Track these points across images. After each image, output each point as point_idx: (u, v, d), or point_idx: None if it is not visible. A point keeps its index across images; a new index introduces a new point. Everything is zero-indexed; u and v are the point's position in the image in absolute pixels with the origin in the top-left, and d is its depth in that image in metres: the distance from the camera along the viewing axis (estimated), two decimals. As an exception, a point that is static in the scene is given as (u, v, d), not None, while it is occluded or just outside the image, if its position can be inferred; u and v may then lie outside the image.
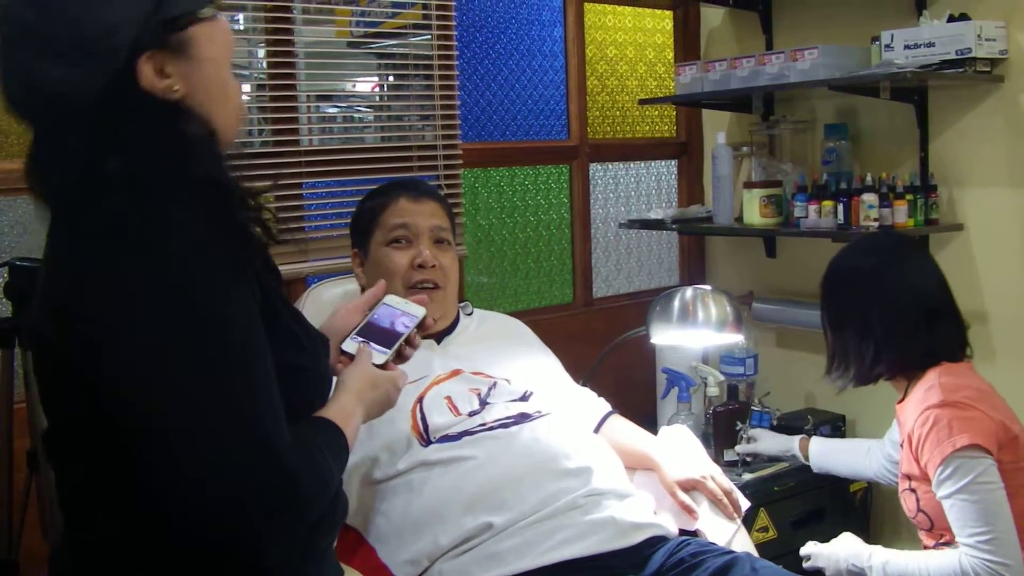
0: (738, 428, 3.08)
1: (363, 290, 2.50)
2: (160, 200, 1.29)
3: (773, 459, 3.07)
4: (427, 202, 2.45)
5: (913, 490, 2.28)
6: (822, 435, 3.13)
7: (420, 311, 1.76)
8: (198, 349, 1.26)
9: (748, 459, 3.07)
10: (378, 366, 1.65)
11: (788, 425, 3.26)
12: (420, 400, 2.22)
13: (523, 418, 2.24)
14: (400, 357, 1.71)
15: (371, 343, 1.68)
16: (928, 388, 2.25)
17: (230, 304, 1.30)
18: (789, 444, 3.01)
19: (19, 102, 1.39)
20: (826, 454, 2.91)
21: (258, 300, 1.35)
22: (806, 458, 2.95)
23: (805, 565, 2.50)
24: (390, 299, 1.78)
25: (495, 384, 2.33)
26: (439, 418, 2.19)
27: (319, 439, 1.43)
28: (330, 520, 1.56)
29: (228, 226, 1.34)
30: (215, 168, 1.38)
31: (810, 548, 2.49)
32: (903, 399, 2.37)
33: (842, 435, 3.29)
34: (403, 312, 1.75)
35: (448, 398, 2.25)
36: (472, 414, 2.22)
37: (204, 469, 1.23)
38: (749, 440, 3.06)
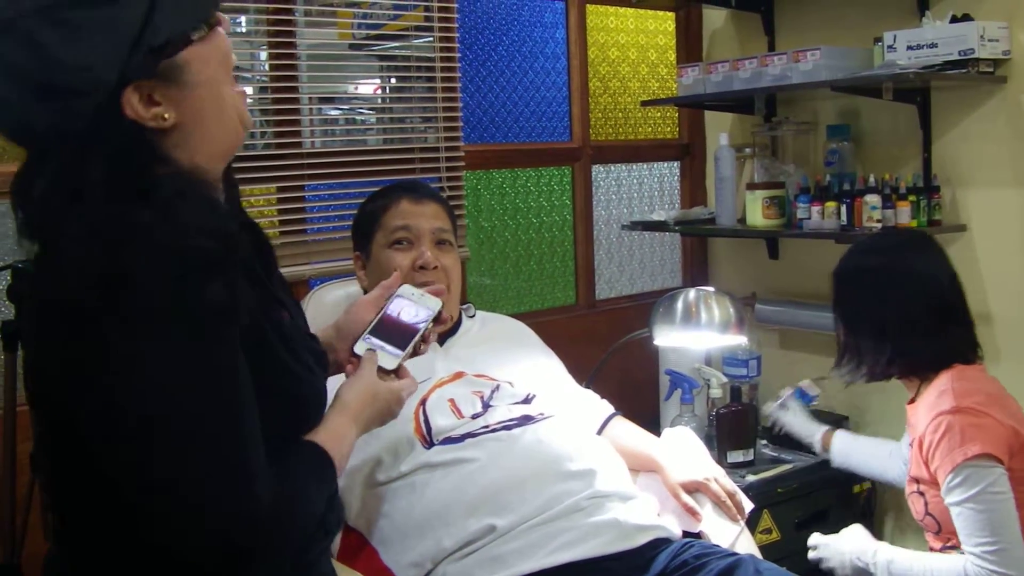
0: (780, 395, 3.11)
1: (365, 292, 2.50)
2: (128, 243, 1.26)
3: (784, 442, 3.12)
4: (428, 203, 2.45)
5: (921, 493, 2.26)
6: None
7: (436, 303, 1.72)
8: (182, 391, 1.25)
9: (772, 426, 3.12)
10: (390, 370, 1.63)
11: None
12: (423, 402, 2.22)
13: (526, 420, 2.23)
14: (414, 353, 1.69)
15: (385, 344, 1.65)
16: (940, 392, 2.23)
17: (219, 352, 1.29)
18: (813, 431, 3.00)
19: (13, 134, 1.37)
20: (849, 452, 2.88)
21: (243, 324, 1.33)
22: (825, 450, 2.93)
23: (811, 556, 2.49)
24: (405, 290, 1.73)
25: (498, 386, 2.33)
26: (442, 420, 2.19)
27: (304, 469, 1.41)
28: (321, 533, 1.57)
29: (208, 268, 1.29)
30: (193, 209, 1.33)
31: (816, 539, 2.48)
32: (914, 399, 2.36)
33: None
34: (418, 305, 1.71)
35: (451, 400, 2.24)
36: (475, 416, 2.22)
37: (183, 508, 1.24)
38: (783, 406, 3.07)
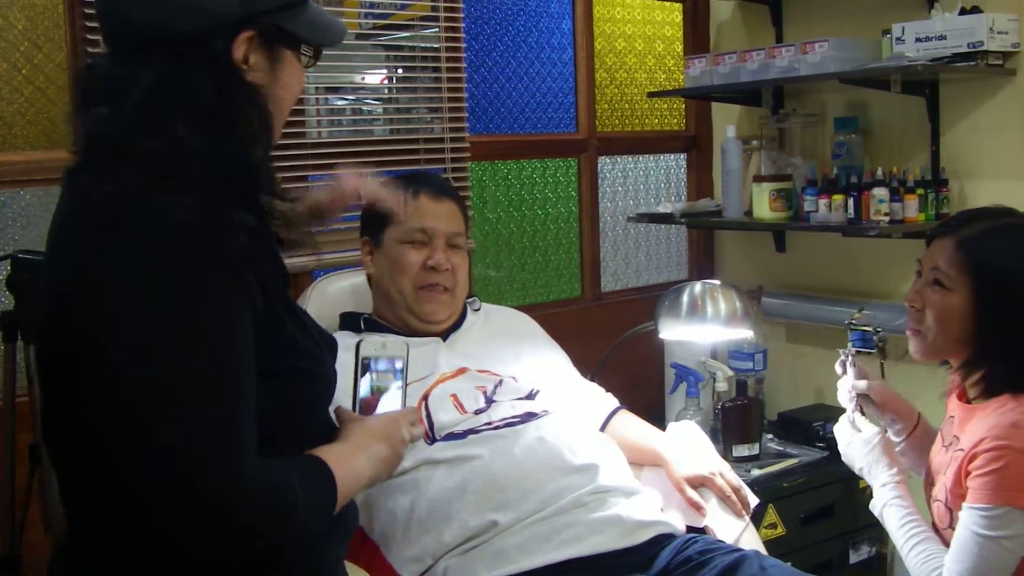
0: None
1: (369, 279, 2.48)
2: (170, 195, 1.29)
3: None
4: (446, 202, 2.44)
5: (949, 509, 2.16)
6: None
7: (402, 347, 1.70)
8: (177, 362, 1.25)
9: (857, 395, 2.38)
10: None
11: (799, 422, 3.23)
12: (426, 398, 2.21)
13: (529, 417, 2.22)
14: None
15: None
16: (1014, 422, 2.01)
17: (218, 317, 1.29)
18: (880, 474, 2.25)
19: (140, 29, 1.40)
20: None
21: (258, 306, 1.34)
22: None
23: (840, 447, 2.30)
24: (366, 348, 1.68)
25: (501, 382, 2.32)
26: (445, 416, 2.18)
27: (291, 466, 1.38)
28: (337, 534, 1.55)
29: (238, 231, 1.32)
30: (254, 164, 1.41)
31: (841, 432, 2.30)
32: (970, 402, 2.15)
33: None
34: (386, 356, 1.69)
35: (454, 396, 2.23)
36: (478, 412, 2.21)
37: (168, 481, 1.23)
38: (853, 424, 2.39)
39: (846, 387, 2.34)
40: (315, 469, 1.42)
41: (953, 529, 2.05)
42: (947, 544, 2.07)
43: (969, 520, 1.99)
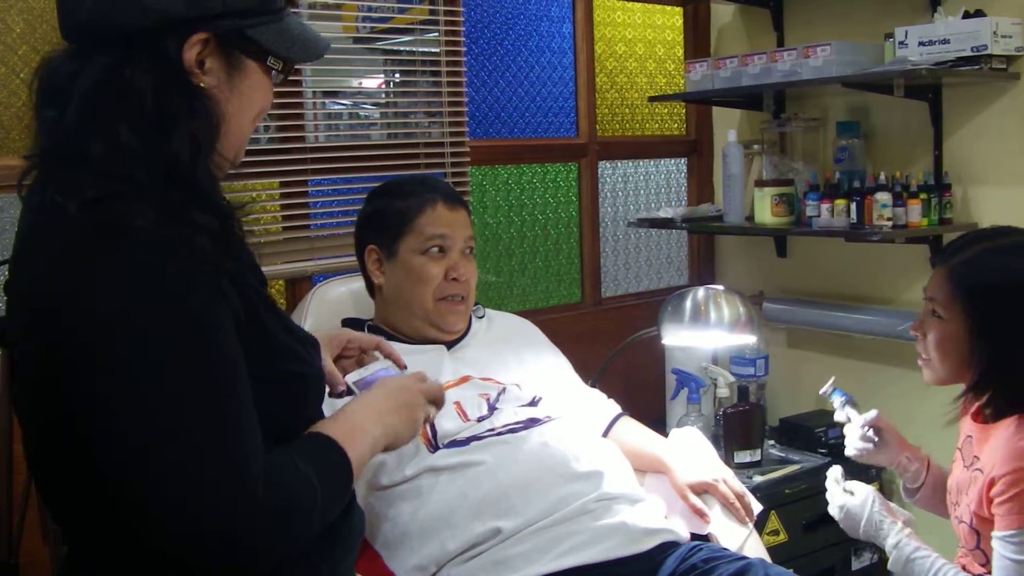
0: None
1: (372, 289, 2.46)
2: (127, 201, 1.27)
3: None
4: (460, 209, 2.43)
5: (975, 530, 2.13)
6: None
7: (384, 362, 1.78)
8: (178, 371, 1.23)
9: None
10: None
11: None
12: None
13: (532, 423, 2.21)
14: None
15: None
16: None
17: (212, 325, 1.27)
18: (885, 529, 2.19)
19: (86, 24, 1.37)
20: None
21: (239, 313, 1.32)
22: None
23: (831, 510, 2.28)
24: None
25: (504, 389, 2.30)
26: (448, 423, 2.16)
27: (305, 461, 1.35)
28: (347, 540, 1.53)
29: (199, 234, 1.29)
30: (191, 170, 1.35)
31: (834, 497, 2.25)
32: (985, 423, 2.13)
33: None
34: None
35: (457, 403, 2.21)
36: (481, 419, 2.19)
37: (179, 496, 1.20)
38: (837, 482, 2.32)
39: (857, 425, 2.33)
40: (328, 453, 1.40)
41: (981, 550, 2.05)
42: (979, 568, 2.07)
43: (1003, 549, 1.98)
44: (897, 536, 2.13)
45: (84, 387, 1.23)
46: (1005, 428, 2.05)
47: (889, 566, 2.15)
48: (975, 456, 2.12)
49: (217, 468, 1.21)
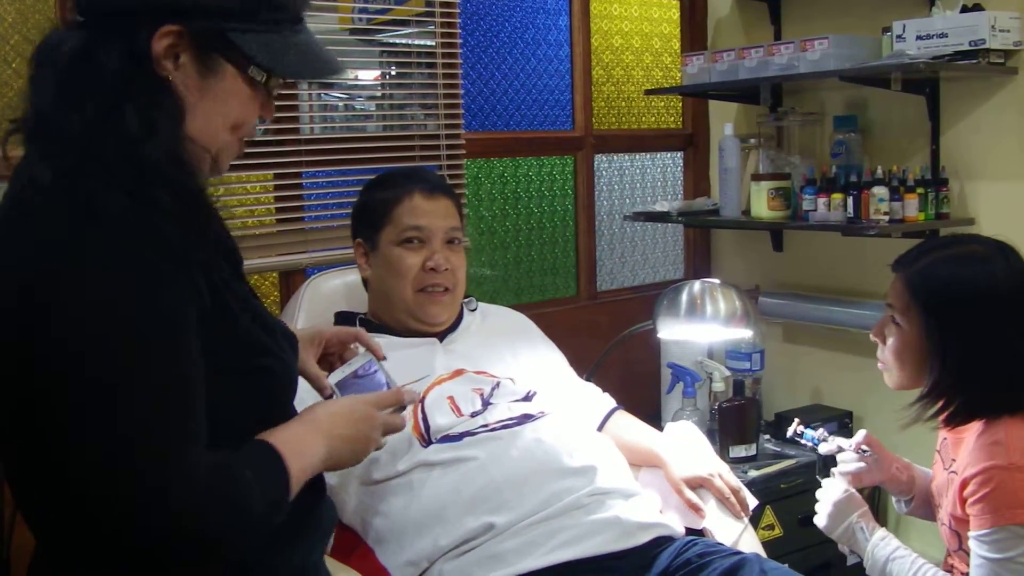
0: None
1: (365, 282, 2.46)
2: (93, 179, 1.27)
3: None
4: (441, 199, 2.41)
5: (956, 532, 2.13)
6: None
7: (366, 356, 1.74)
8: (122, 349, 1.22)
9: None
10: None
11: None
12: (422, 400, 2.18)
13: (526, 419, 2.20)
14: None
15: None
16: (995, 441, 2.00)
17: (169, 319, 1.27)
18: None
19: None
20: None
21: (206, 303, 1.31)
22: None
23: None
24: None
25: (498, 384, 2.29)
26: (441, 419, 2.15)
27: (250, 467, 1.33)
28: (316, 535, 1.52)
29: (165, 218, 1.29)
30: (176, 160, 1.35)
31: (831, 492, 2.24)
32: (953, 429, 2.12)
33: (849, 432, 3.23)
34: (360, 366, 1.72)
35: (451, 398, 2.20)
36: (474, 414, 2.18)
37: (111, 464, 1.20)
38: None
39: (849, 449, 2.32)
40: (265, 457, 1.38)
41: (964, 551, 2.05)
42: (967, 569, 2.06)
43: (978, 548, 1.98)
44: (876, 538, 2.14)
45: (35, 375, 1.23)
46: (975, 430, 2.05)
47: (867, 568, 2.15)
48: (952, 459, 2.13)
49: (152, 457, 1.21)
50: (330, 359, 1.81)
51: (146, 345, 1.24)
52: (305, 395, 1.62)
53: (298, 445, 1.42)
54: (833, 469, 2.31)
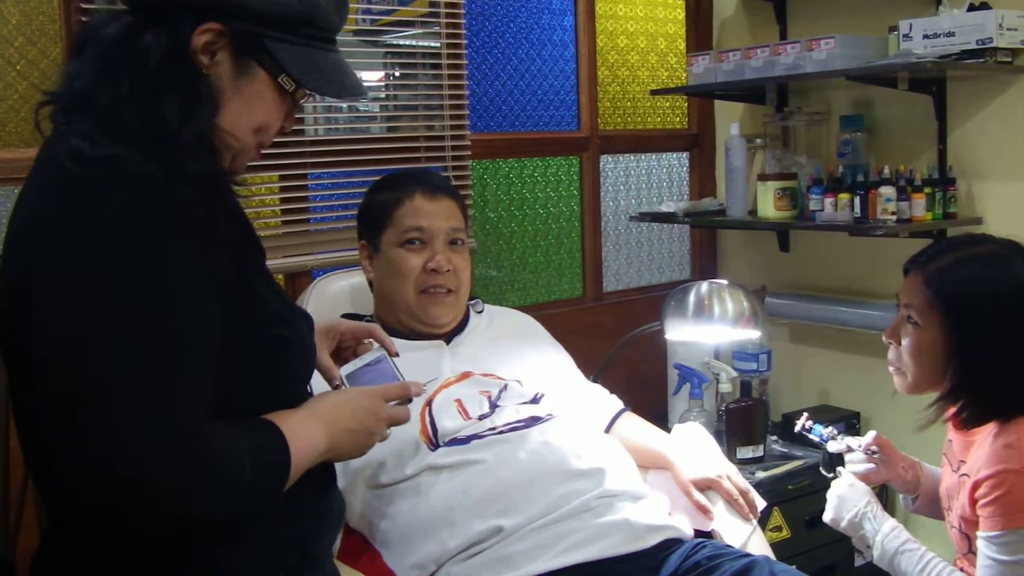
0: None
1: (371, 284, 2.45)
2: (120, 148, 1.31)
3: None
4: (443, 200, 2.40)
5: (966, 535, 2.12)
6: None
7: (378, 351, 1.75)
8: (125, 315, 1.25)
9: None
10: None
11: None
12: (429, 403, 2.17)
13: (534, 421, 2.19)
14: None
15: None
16: (1007, 444, 1.99)
17: (182, 289, 1.30)
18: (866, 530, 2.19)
19: None
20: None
21: (228, 272, 1.35)
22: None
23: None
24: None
25: (506, 386, 2.28)
26: (448, 422, 2.14)
27: (248, 443, 1.35)
28: (327, 522, 1.52)
29: (199, 201, 1.33)
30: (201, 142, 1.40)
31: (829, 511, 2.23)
32: (965, 431, 2.11)
33: (857, 432, 3.22)
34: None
35: (458, 401, 2.19)
36: (482, 417, 2.17)
37: (97, 441, 1.22)
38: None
39: (858, 449, 2.30)
40: (265, 432, 1.40)
41: (973, 554, 2.04)
42: (970, 572, 2.06)
43: (987, 549, 1.98)
44: (890, 526, 2.12)
45: (40, 331, 1.27)
46: (988, 432, 2.04)
47: (875, 559, 2.14)
48: (961, 461, 2.12)
49: (137, 417, 1.23)
50: (343, 354, 1.82)
51: (138, 308, 1.26)
52: (317, 388, 1.62)
53: (301, 430, 1.44)
54: (840, 468, 2.30)
